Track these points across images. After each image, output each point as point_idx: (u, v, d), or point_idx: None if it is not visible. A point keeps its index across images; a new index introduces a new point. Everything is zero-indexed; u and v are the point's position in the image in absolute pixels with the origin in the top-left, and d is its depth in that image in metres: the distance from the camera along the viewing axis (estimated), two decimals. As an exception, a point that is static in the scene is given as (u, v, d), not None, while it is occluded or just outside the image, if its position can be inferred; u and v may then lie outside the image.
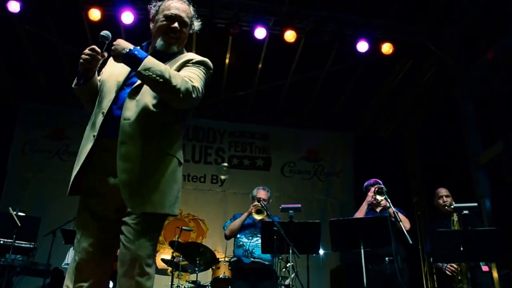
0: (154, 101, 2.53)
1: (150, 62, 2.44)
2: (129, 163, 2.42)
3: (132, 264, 2.33)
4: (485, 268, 5.20)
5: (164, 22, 2.71)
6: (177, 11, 2.73)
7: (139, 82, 2.55)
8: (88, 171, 2.52)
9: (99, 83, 2.72)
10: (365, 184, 5.95)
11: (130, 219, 2.40)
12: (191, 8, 2.84)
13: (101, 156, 2.48)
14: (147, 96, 2.53)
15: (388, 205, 5.28)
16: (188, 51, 2.88)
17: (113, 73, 2.68)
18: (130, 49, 2.46)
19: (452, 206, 5.13)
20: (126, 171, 2.41)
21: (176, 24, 2.70)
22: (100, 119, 2.51)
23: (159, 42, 2.70)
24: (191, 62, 2.69)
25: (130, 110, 2.49)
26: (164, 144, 2.53)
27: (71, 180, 2.51)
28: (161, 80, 2.42)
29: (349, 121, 10.90)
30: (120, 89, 2.58)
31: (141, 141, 2.45)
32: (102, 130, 2.49)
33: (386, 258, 5.23)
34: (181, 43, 2.77)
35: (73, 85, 2.70)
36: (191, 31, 2.88)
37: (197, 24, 2.88)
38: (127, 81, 2.62)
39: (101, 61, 2.59)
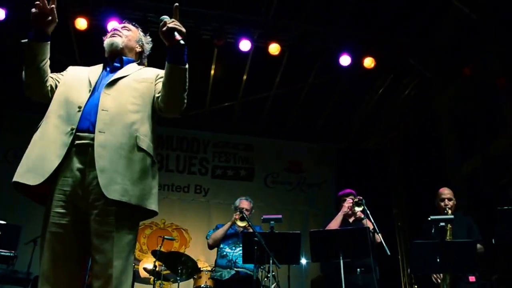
0: (131, 99, 2.65)
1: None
2: (106, 151, 2.44)
3: (108, 276, 2.32)
4: (471, 278, 5.15)
5: (109, 33, 2.99)
6: (120, 24, 3.06)
7: (110, 80, 2.68)
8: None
9: (54, 81, 2.77)
10: (339, 194, 5.98)
11: (103, 225, 2.38)
12: (138, 28, 3.12)
13: (74, 152, 2.48)
14: (124, 94, 2.65)
15: (362, 216, 5.34)
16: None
17: (78, 76, 2.76)
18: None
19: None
20: (104, 158, 2.42)
21: (117, 27, 3.01)
22: (76, 112, 2.54)
23: (105, 43, 2.93)
24: (162, 77, 2.81)
25: (107, 102, 2.57)
26: (141, 139, 2.58)
27: (49, 174, 2.41)
28: (186, 86, 2.65)
29: (332, 133, 11.01)
30: (93, 89, 2.66)
31: (118, 133, 2.50)
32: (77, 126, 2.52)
33: (358, 269, 5.24)
34: (126, 42, 2.94)
35: (22, 41, 2.63)
36: (143, 48, 3.09)
37: (145, 39, 3.11)
38: (97, 83, 2.71)
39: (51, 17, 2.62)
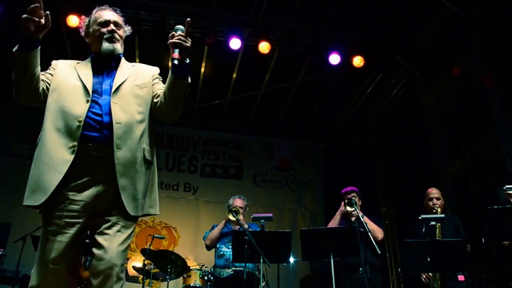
0: (138, 108, 2.67)
1: None
2: (125, 168, 2.49)
3: (108, 274, 2.35)
4: (460, 277, 5.17)
5: (102, 29, 2.84)
6: (110, 17, 2.89)
7: (114, 88, 2.65)
8: (62, 180, 2.45)
9: (45, 83, 2.71)
10: (342, 191, 5.94)
11: (109, 228, 2.44)
12: (120, 15, 3.00)
13: (83, 163, 2.48)
14: (130, 103, 2.65)
15: (361, 214, 5.34)
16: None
17: (70, 81, 2.68)
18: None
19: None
20: (124, 176, 2.48)
21: (112, 26, 2.85)
22: (76, 126, 2.50)
23: (104, 46, 2.80)
24: (158, 78, 2.89)
25: (119, 114, 2.57)
26: (147, 149, 2.65)
27: (51, 192, 2.40)
28: (185, 98, 2.72)
29: (321, 132, 11.06)
30: (90, 96, 2.61)
31: (131, 147, 2.55)
32: (84, 137, 2.49)
33: (360, 268, 5.23)
34: (122, 44, 2.90)
35: (13, 50, 2.51)
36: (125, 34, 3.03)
37: (127, 29, 3.03)
38: (93, 89, 2.66)
39: (43, 22, 2.48)
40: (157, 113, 2.79)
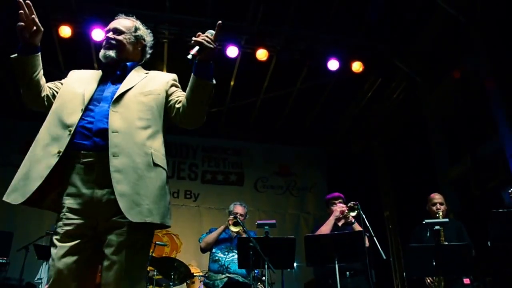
0: (139, 114, 2.58)
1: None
2: (124, 175, 2.39)
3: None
4: (466, 280, 5.18)
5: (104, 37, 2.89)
6: (112, 25, 2.88)
7: (116, 96, 2.60)
8: (58, 188, 2.47)
9: (52, 90, 2.73)
10: (327, 197, 6.01)
11: (116, 236, 2.37)
12: (134, 21, 2.96)
13: (79, 171, 2.44)
14: (132, 111, 2.57)
15: (353, 220, 5.37)
16: (160, 69, 2.94)
17: (74, 89, 2.67)
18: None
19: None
20: (122, 182, 2.37)
21: (108, 34, 2.84)
22: (66, 135, 2.46)
23: (100, 55, 2.82)
24: (175, 85, 2.83)
25: (116, 123, 2.50)
26: (156, 154, 2.54)
27: (28, 195, 2.37)
28: (209, 102, 2.66)
29: (321, 137, 11.06)
30: (88, 103, 2.58)
31: (132, 153, 2.45)
32: (75, 145, 2.45)
33: (347, 273, 5.25)
34: (120, 51, 2.82)
35: (11, 56, 2.61)
36: (145, 43, 2.98)
37: (144, 32, 2.98)
38: (93, 97, 2.63)
39: (35, 26, 2.53)
40: (179, 119, 2.71)
